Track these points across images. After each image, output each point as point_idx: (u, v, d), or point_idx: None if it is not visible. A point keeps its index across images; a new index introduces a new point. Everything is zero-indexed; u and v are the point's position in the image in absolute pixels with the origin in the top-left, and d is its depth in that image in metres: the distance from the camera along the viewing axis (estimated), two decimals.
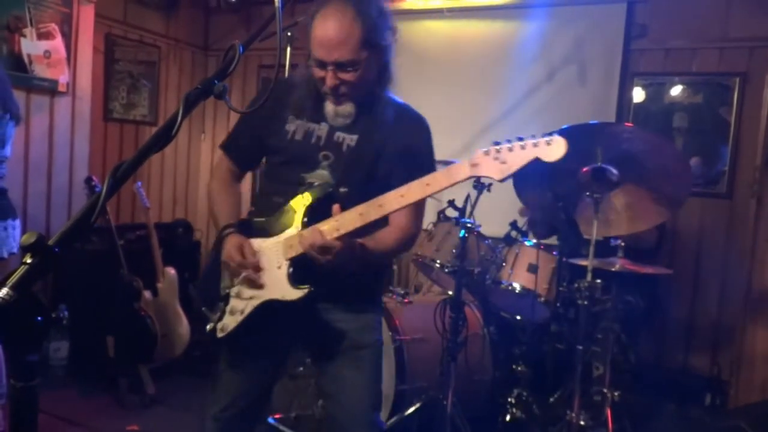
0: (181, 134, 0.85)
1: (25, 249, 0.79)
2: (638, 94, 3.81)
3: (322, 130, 1.65)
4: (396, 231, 1.66)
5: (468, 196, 2.94)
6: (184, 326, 3.41)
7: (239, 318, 1.62)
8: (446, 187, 1.36)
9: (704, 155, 3.67)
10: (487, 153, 1.30)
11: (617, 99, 3.81)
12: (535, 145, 1.26)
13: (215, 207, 1.76)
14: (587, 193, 2.40)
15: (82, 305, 3.43)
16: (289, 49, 3.32)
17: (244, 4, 4.83)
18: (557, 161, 1.24)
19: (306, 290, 1.52)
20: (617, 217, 2.52)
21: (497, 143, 1.30)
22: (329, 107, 1.63)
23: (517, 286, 2.90)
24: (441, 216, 3.26)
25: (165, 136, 0.95)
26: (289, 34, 3.22)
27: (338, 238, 1.46)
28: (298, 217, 1.56)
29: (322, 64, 1.55)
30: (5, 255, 2.59)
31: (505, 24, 4.14)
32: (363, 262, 1.56)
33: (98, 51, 4.21)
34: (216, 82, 1.03)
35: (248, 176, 1.92)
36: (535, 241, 3.01)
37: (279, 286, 1.57)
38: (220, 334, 1.65)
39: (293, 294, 1.54)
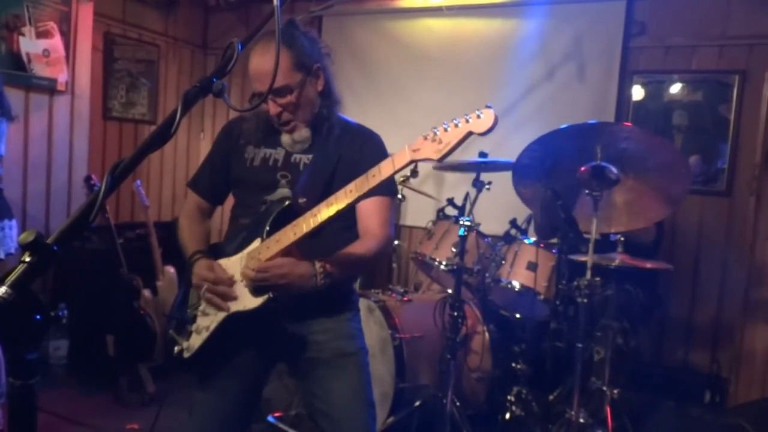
0: (180, 132, 0.85)
1: (23, 247, 0.78)
2: (637, 92, 3.81)
3: (279, 153, 1.73)
4: (364, 240, 1.67)
5: (467, 194, 2.94)
6: None
7: (205, 335, 1.62)
8: (391, 175, 1.37)
9: (704, 153, 3.67)
10: (425, 137, 1.32)
11: (616, 97, 3.81)
12: (467, 120, 1.28)
13: (184, 238, 1.78)
14: (586, 191, 2.40)
15: (81, 304, 3.43)
16: None
17: (243, 2, 4.82)
18: (488, 131, 1.27)
19: (266, 297, 1.51)
20: (617, 213, 2.52)
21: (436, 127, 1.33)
22: (285, 137, 1.71)
23: (516, 284, 2.90)
24: (440, 214, 3.27)
25: (164, 134, 0.95)
26: None
27: (295, 244, 1.48)
28: (261, 229, 1.57)
29: (261, 95, 1.62)
30: (2, 256, 2.59)
31: (505, 22, 4.14)
32: (334, 278, 1.55)
33: (97, 50, 4.20)
34: (215, 80, 1.03)
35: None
36: (534, 239, 3.01)
37: (242, 299, 1.57)
38: (186, 354, 1.64)
39: (254, 302, 1.53)
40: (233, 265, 1.62)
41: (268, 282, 1.49)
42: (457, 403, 2.70)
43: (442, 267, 2.99)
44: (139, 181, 3.77)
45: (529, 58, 4.00)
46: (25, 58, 3.45)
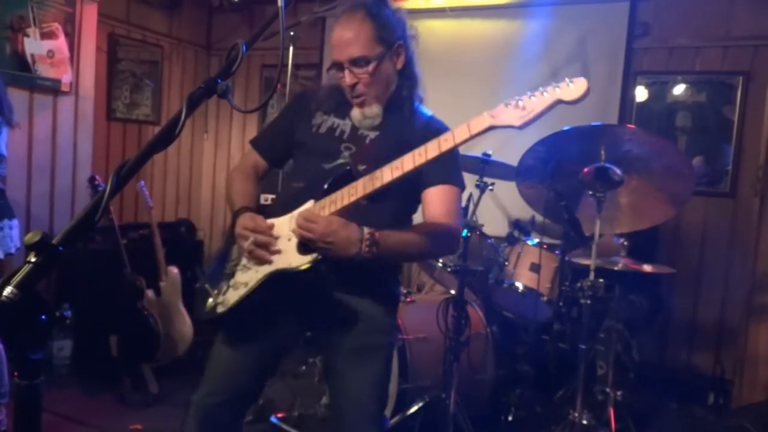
0: (183, 133, 0.84)
1: (29, 247, 0.79)
2: (641, 93, 3.80)
3: (346, 125, 1.69)
4: (427, 225, 1.63)
5: (471, 196, 2.94)
6: (187, 325, 3.42)
7: (243, 291, 1.55)
8: (466, 140, 1.33)
9: (707, 154, 3.67)
10: (507, 104, 1.27)
11: (620, 98, 3.81)
12: (555, 88, 1.23)
13: (232, 192, 1.75)
14: (590, 193, 2.40)
15: (85, 304, 3.44)
16: (291, 48, 3.33)
17: (247, 3, 4.83)
18: (579, 100, 1.21)
19: (314, 257, 1.45)
20: (620, 215, 2.52)
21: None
22: (355, 111, 1.67)
23: (519, 285, 2.90)
24: None
25: (168, 135, 0.95)
26: (291, 33, 3.22)
27: (348, 210, 1.45)
28: (315, 191, 1.54)
29: (340, 66, 1.62)
30: (1, 255, 2.59)
31: (508, 23, 4.13)
32: (381, 249, 1.49)
33: (101, 50, 4.22)
34: (219, 81, 1.03)
35: None
36: (537, 240, 3.01)
37: (286, 256, 1.52)
38: (220, 309, 1.57)
39: (300, 261, 1.47)
40: (282, 224, 1.57)
41: (314, 235, 1.44)
42: (460, 404, 2.70)
43: (445, 268, 2.99)
44: (143, 182, 3.77)
45: (532, 60, 4.00)
46: (29, 59, 3.46)
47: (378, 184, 1.41)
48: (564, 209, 2.50)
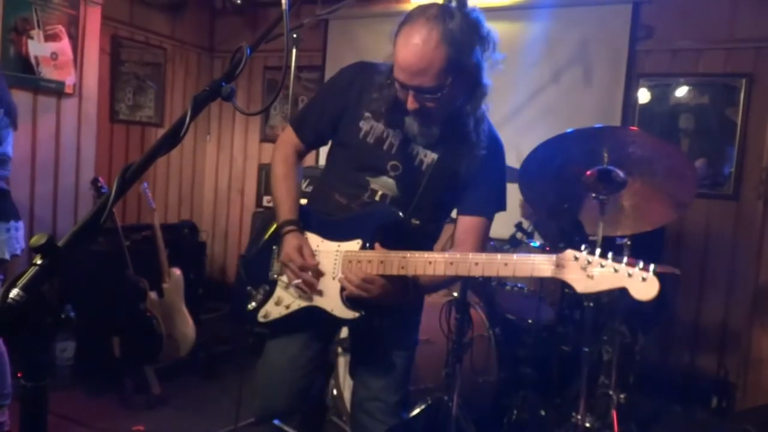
0: (187, 135, 0.83)
1: (35, 250, 0.79)
2: (644, 96, 3.80)
3: (396, 137, 1.61)
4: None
5: None
6: (189, 327, 3.42)
7: (283, 311, 1.65)
8: (524, 276, 1.39)
9: (710, 156, 3.66)
10: (576, 258, 1.25)
11: (623, 100, 3.80)
12: (629, 274, 1.21)
13: (279, 190, 1.73)
14: (593, 195, 2.39)
15: (88, 305, 3.44)
16: (294, 51, 3.33)
17: (250, 5, 4.84)
18: (644, 301, 1.20)
19: (357, 315, 1.54)
20: (623, 217, 2.51)
21: (592, 251, 1.25)
22: (412, 124, 1.56)
23: (522, 287, 2.89)
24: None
25: (173, 138, 0.96)
26: (294, 35, 3.23)
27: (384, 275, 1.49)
28: (363, 233, 1.56)
29: (403, 86, 1.48)
30: (7, 257, 2.60)
31: (510, 25, 4.13)
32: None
33: (105, 52, 4.23)
34: (224, 84, 1.03)
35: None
36: (540, 242, 3.00)
37: (331, 298, 1.58)
38: (261, 319, 1.68)
39: (344, 314, 1.56)
40: (325, 252, 1.61)
41: (367, 296, 1.51)
42: (463, 407, 2.69)
43: None
44: (146, 184, 3.78)
45: (535, 62, 4.00)
46: (33, 61, 3.47)
47: (429, 272, 1.43)
48: (566, 211, 2.49)
